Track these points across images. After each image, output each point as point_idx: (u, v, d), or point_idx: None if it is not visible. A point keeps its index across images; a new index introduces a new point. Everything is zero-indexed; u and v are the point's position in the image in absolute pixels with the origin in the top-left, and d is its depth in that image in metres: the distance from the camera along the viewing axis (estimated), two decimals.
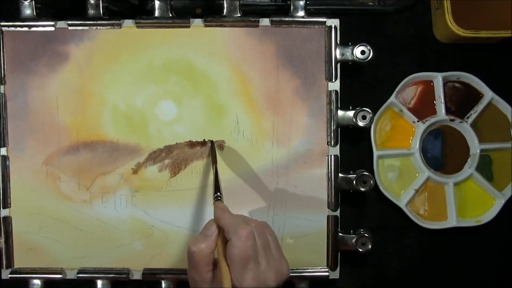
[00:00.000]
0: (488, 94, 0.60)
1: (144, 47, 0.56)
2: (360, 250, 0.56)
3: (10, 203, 0.56)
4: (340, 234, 0.56)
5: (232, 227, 0.41)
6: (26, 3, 0.56)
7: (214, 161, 0.53)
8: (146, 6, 0.58)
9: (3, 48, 0.56)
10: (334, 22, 0.56)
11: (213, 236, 0.42)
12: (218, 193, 0.46)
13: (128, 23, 0.56)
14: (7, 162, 0.56)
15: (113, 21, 0.56)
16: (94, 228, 0.56)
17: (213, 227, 0.42)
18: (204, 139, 0.56)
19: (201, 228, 0.56)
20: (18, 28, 0.56)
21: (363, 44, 0.56)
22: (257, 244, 0.41)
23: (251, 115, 0.57)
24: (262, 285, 0.40)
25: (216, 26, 0.57)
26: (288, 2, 0.57)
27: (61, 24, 0.56)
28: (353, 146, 0.61)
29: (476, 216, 0.60)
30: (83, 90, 0.56)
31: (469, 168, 0.60)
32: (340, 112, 0.56)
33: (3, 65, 0.56)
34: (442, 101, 0.60)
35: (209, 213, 0.56)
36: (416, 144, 0.60)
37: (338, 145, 0.56)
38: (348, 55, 0.56)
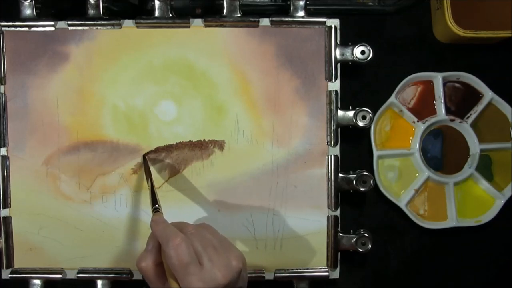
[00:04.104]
0: (488, 94, 0.60)
1: (144, 47, 0.56)
2: (360, 250, 0.56)
3: (10, 203, 0.56)
4: (340, 234, 0.56)
5: (164, 238, 0.42)
6: (26, 3, 0.56)
7: (148, 176, 0.53)
8: (146, 6, 0.58)
9: (3, 48, 0.56)
10: (334, 22, 0.56)
11: (153, 250, 0.43)
12: (156, 205, 0.47)
13: (128, 23, 0.56)
14: (7, 162, 0.56)
15: (113, 21, 0.56)
16: (94, 228, 0.56)
17: (152, 241, 0.44)
18: (204, 139, 0.56)
19: None
20: (18, 28, 0.56)
21: (363, 44, 0.56)
22: (192, 248, 0.41)
23: (251, 115, 0.57)
24: (211, 284, 0.40)
25: (216, 26, 0.57)
26: (288, 2, 0.57)
27: (61, 24, 0.56)
28: (353, 146, 0.61)
29: (476, 216, 0.60)
30: (83, 90, 0.56)
31: (469, 168, 0.60)
32: (340, 112, 0.56)
33: (3, 65, 0.56)
34: (442, 101, 0.60)
35: (209, 213, 0.56)
36: (416, 144, 0.60)
37: (338, 145, 0.56)
38: (348, 55, 0.56)
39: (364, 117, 0.56)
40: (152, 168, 0.56)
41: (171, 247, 0.40)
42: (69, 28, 0.56)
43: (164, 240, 0.41)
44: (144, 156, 0.56)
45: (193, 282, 0.40)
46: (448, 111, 0.60)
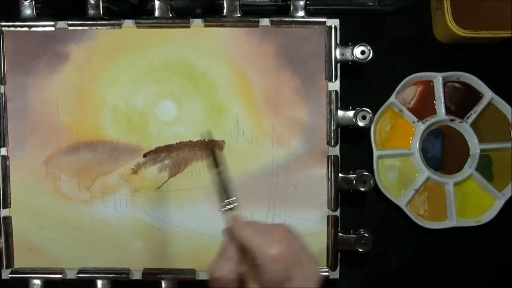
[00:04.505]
0: (488, 94, 0.60)
1: (144, 47, 0.56)
2: (360, 250, 0.56)
3: (10, 203, 0.56)
4: (340, 234, 0.56)
5: (257, 247, 0.36)
6: (26, 3, 0.56)
7: (217, 165, 0.44)
8: (146, 6, 0.58)
9: (3, 48, 0.56)
10: (334, 22, 0.56)
11: (234, 259, 0.37)
12: (229, 200, 0.40)
13: (128, 23, 0.56)
14: (7, 162, 0.56)
15: (113, 21, 0.56)
16: (94, 228, 0.56)
17: (231, 248, 0.38)
18: (204, 139, 0.56)
19: (200, 228, 0.56)
20: (18, 28, 0.56)
21: (363, 44, 0.56)
22: (289, 259, 0.36)
23: (251, 115, 0.57)
24: None
25: (216, 26, 0.57)
26: (288, 2, 0.57)
27: (61, 24, 0.56)
28: (353, 146, 0.61)
29: (476, 216, 0.60)
30: (83, 90, 0.56)
31: (469, 168, 0.60)
32: (340, 112, 0.56)
33: (3, 65, 0.56)
34: (442, 101, 0.60)
35: (209, 213, 0.56)
36: (416, 144, 0.60)
37: (338, 145, 0.56)
38: (348, 55, 0.56)
39: (364, 117, 0.56)
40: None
41: (270, 260, 0.35)
42: (69, 28, 0.56)
43: (259, 250, 0.36)
44: (212, 149, 0.46)
45: None
46: (448, 111, 0.60)
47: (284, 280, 0.36)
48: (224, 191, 0.41)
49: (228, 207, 0.40)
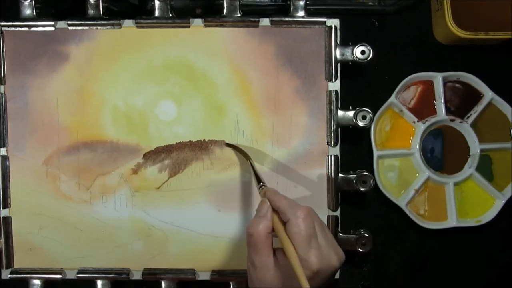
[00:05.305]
0: (488, 94, 0.60)
1: (144, 47, 0.56)
2: (360, 250, 0.56)
3: (10, 203, 0.56)
4: (340, 234, 0.56)
5: (289, 207, 0.41)
6: (26, 3, 0.56)
7: (248, 157, 0.54)
8: (146, 6, 0.58)
9: (3, 48, 0.56)
10: (334, 22, 0.56)
11: (268, 216, 0.42)
12: (261, 183, 0.48)
13: (128, 23, 0.56)
14: (7, 162, 0.56)
15: (113, 21, 0.56)
16: (94, 228, 0.56)
17: (265, 207, 0.42)
18: (204, 139, 0.56)
19: (200, 228, 0.56)
20: (18, 28, 0.56)
21: (363, 44, 0.56)
22: (315, 224, 0.41)
23: (251, 115, 0.57)
24: (326, 264, 0.40)
25: (216, 26, 0.57)
26: (288, 2, 0.57)
27: (61, 24, 0.56)
28: (353, 146, 0.61)
29: (476, 216, 0.60)
30: (83, 90, 0.56)
31: (469, 168, 0.60)
32: (340, 112, 0.56)
33: (3, 65, 0.56)
34: (442, 101, 0.60)
35: (209, 213, 0.56)
36: (416, 144, 0.60)
37: (338, 145, 0.56)
38: (348, 55, 0.56)
39: (364, 117, 0.56)
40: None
41: (300, 216, 0.40)
42: (69, 28, 0.56)
43: (291, 210, 0.41)
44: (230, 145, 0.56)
45: (312, 256, 0.39)
46: (448, 111, 0.60)
47: (309, 238, 0.40)
48: (257, 177, 0.49)
49: (262, 186, 0.47)
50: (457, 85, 0.61)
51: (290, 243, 0.40)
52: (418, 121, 0.60)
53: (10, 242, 0.56)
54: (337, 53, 0.56)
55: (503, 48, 0.61)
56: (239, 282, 0.56)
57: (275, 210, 0.42)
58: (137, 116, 0.56)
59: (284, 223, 0.41)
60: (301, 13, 0.57)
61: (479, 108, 0.60)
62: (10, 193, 0.56)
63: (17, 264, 0.56)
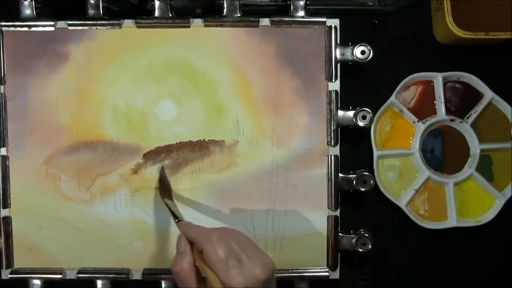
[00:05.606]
0: (488, 94, 0.60)
1: (144, 47, 0.56)
2: (360, 250, 0.56)
3: (10, 203, 0.56)
4: (340, 234, 0.56)
5: (201, 236, 0.42)
6: (26, 3, 0.56)
7: (166, 192, 0.55)
8: (146, 6, 0.58)
9: (3, 48, 0.56)
10: (334, 22, 0.56)
11: (187, 251, 0.43)
12: (177, 219, 0.49)
13: (128, 23, 0.56)
14: (7, 162, 0.56)
15: (113, 21, 0.56)
16: (94, 228, 0.56)
17: (183, 242, 0.44)
18: (204, 139, 0.56)
19: None
20: (18, 28, 0.56)
21: (363, 44, 0.56)
22: (230, 244, 0.41)
23: (251, 115, 0.57)
24: (251, 279, 0.40)
25: (216, 26, 0.57)
26: (288, 2, 0.57)
27: (61, 24, 0.56)
28: (353, 146, 0.61)
29: (476, 216, 0.60)
30: (83, 90, 0.56)
31: (469, 168, 0.60)
32: (340, 112, 0.56)
33: (3, 65, 0.56)
34: (442, 101, 0.60)
35: (208, 213, 0.56)
36: (416, 144, 0.60)
37: (338, 145, 0.56)
38: (348, 55, 0.56)
39: (364, 117, 0.56)
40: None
41: (211, 243, 0.41)
42: (69, 28, 0.56)
43: (202, 238, 0.42)
44: (162, 170, 0.56)
45: (234, 275, 0.39)
46: (448, 111, 0.60)
47: (226, 260, 0.40)
48: (172, 214, 0.50)
49: (178, 220, 0.48)
50: (457, 85, 0.61)
51: (209, 271, 0.41)
52: (418, 121, 0.60)
53: (10, 242, 0.56)
54: (337, 53, 0.56)
55: (503, 48, 0.61)
56: None
57: (191, 242, 0.43)
58: (137, 116, 0.56)
59: (201, 252, 0.42)
60: (301, 13, 0.57)
61: (479, 108, 0.60)
62: (10, 193, 0.56)
63: (17, 264, 0.56)
